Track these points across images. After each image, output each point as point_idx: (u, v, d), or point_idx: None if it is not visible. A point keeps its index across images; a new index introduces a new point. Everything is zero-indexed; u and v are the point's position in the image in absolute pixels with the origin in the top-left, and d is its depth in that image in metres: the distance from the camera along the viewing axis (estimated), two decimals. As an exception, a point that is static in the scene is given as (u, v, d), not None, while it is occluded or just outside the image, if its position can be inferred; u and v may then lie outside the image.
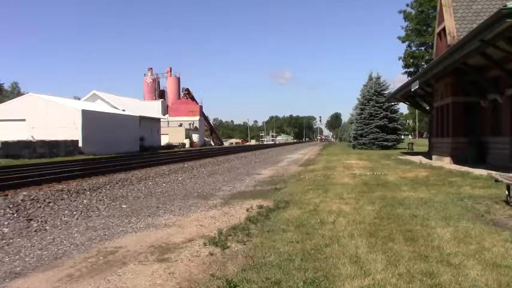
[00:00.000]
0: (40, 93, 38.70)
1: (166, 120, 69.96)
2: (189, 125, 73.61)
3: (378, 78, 44.87)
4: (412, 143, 38.33)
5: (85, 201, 10.07)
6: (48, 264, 5.18)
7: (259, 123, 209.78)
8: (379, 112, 42.15)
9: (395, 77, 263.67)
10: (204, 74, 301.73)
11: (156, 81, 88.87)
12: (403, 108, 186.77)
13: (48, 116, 34.72)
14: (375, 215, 6.98)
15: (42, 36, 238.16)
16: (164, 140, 59.50)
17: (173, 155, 30.92)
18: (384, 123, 41.77)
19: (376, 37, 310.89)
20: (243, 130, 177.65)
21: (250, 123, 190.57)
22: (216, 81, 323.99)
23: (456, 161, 17.71)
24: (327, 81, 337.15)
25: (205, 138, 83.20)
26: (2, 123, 34.85)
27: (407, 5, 38.65)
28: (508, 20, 10.34)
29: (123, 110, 47.34)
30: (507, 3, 10.34)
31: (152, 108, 65.17)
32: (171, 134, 64.67)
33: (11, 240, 6.44)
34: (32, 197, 10.05)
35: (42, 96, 37.78)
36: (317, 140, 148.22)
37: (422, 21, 37.15)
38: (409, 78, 30.81)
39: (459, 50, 13.85)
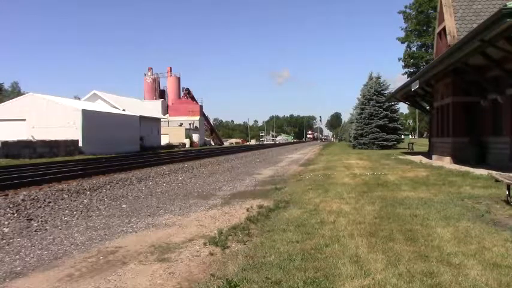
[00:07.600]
0: (40, 93, 38.69)
1: (166, 120, 69.94)
2: (189, 124, 73.58)
3: (378, 78, 44.98)
4: (412, 143, 38.30)
5: (85, 201, 10.08)
6: (48, 264, 5.18)
7: (259, 123, 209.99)
8: (379, 112, 42.16)
9: (396, 77, 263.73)
10: (204, 74, 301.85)
11: (156, 81, 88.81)
12: (403, 108, 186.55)
13: (49, 116, 34.69)
14: (375, 214, 6.98)
15: (42, 36, 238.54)
16: (164, 140, 59.48)
17: (173, 155, 30.91)
18: (384, 123, 41.78)
19: (376, 37, 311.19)
20: (243, 130, 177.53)
21: (250, 123, 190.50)
22: (216, 81, 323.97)
23: (456, 160, 17.71)
24: (327, 81, 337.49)
25: (205, 138, 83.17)
26: (2, 123, 34.83)
27: (406, 7, 38.67)
28: (508, 19, 10.34)
29: (123, 110, 47.31)
30: (507, 3, 10.34)
31: (152, 108, 65.11)
32: (171, 134, 64.64)
33: (11, 240, 6.44)
34: (32, 197, 10.06)
35: (43, 96, 37.73)
36: (317, 140, 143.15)
37: (422, 22, 37.13)
38: (409, 78, 30.78)
39: (459, 49, 13.86)
